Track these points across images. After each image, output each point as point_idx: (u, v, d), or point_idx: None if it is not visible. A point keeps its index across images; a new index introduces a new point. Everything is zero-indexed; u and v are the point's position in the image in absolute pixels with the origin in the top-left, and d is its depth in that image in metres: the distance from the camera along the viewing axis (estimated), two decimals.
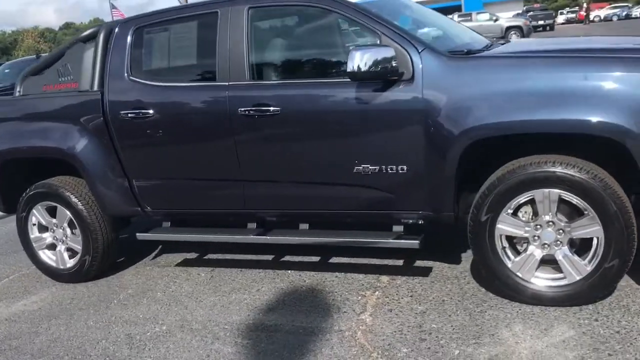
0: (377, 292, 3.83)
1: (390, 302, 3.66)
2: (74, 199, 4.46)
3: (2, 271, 5.26)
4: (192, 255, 4.97)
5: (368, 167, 3.57)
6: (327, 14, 3.72)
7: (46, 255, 4.79)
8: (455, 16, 29.94)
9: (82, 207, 4.45)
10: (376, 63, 3.30)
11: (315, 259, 4.51)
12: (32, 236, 4.76)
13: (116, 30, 4.26)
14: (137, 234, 4.38)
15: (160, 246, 5.29)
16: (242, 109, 3.78)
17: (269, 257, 4.67)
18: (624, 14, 53.08)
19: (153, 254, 5.13)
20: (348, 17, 3.61)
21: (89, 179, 4.36)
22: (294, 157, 3.78)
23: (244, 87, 3.82)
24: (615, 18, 51.78)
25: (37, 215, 4.66)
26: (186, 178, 4.15)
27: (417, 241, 3.56)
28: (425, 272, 4.04)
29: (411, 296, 3.72)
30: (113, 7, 55.66)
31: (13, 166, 4.69)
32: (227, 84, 3.86)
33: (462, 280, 3.84)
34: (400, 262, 4.24)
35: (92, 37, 4.40)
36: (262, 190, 3.96)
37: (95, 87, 4.35)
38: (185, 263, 4.83)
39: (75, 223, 4.53)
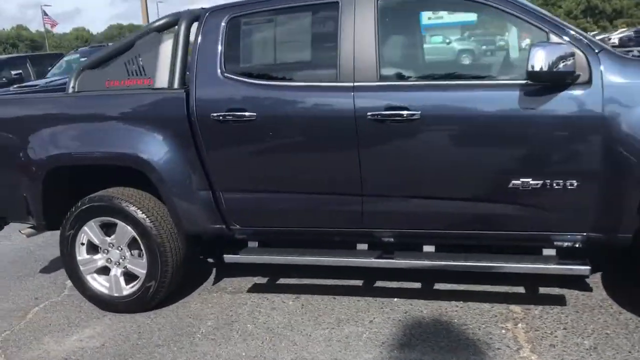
0: (519, 324, 3.38)
1: (544, 336, 3.23)
2: (140, 215, 3.79)
3: (25, 298, 4.48)
4: (261, 280, 4.37)
5: (528, 181, 3.14)
6: (482, 9, 3.28)
7: (96, 281, 4.07)
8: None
9: (150, 224, 3.79)
10: (557, 62, 2.88)
11: (415, 285, 4.01)
12: (79, 258, 4.03)
13: (205, 19, 3.66)
14: (225, 256, 3.75)
15: (214, 268, 4.65)
16: (372, 114, 3.27)
17: (357, 282, 4.13)
18: None
19: (210, 278, 4.50)
20: (509, 12, 3.18)
21: (165, 191, 3.72)
22: (433, 169, 3.31)
23: (374, 89, 3.32)
24: None
25: (89, 233, 3.95)
26: (289, 191, 3.58)
27: (588, 267, 3.14)
28: (560, 300, 3.63)
29: (564, 329, 3.30)
30: (45, 14, 53.23)
31: (60, 175, 3.96)
32: (351, 84, 3.34)
33: (611, 309, 3.45)
34: (519, 289, 3.81)
35: (170, 26, 3.79)
36: (387, 206, 3.45)
37: (176, 85, 3.73)
38: (258, 289, 4.23)
39: (140, 243, 3.85)
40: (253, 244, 3.84)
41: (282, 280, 4.33)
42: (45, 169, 3.89)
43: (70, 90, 3.98)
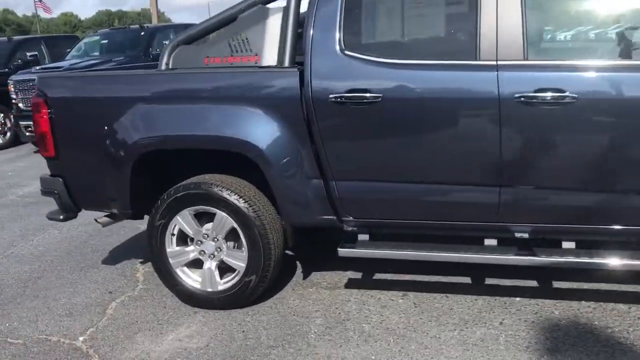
0: None
1: None
2: (242, 204, 3.47)
3: (97, 292, 4.16)
4: (355, 275, 4.07)
5: None
6: None
7: (186, 274, 3.74)
8: None
9: (253, 213, 3.47)
10: None
11: (530, 283, 3.74)
12: (169, 250, 3.71)
13: None
14: (340, 250, 3.44)
15: (297, 261, 4.35)
16: (519, 95, 2.97)
17: (463, 280, 3.85)
18: None
19: (297, 272, 4.19)
20: None
21: (273, 178, 3.40)
22: (589, 158, 3.01)
23: (522, 68, 3.02)
24: None
25: (182, 223, 3.62)
26: (414, 181, 3.28)
27: None
28: None
29: None
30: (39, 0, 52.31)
31: (150, 161, 3.63)
32: (494, 62, 3.04)
33: None
34: (631, 288, 3.54)
35: None
36: (528, 198, 3.16)
37: (287, 62, 3.41)
38: (357, 284, 3.94)
39: (241, 234, 3.53)
40: (363, 237, 3.51)
41: (379, 276, 4.03)
42: (135, 153, 3.56)
43: (164, 66, 3.64)
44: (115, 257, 4.84)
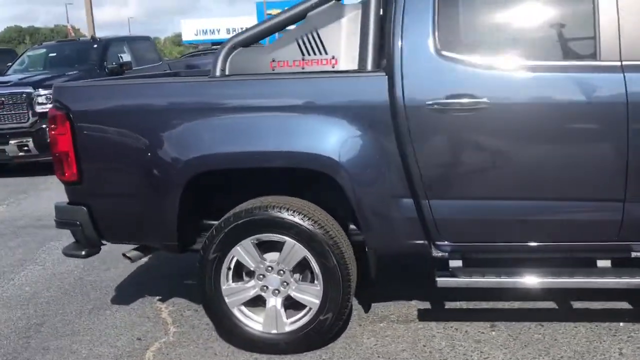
0: None
1: None
2: (318, 230, 2.99)
3: (123, 340, 3.55)
4: (422, 305, 3.64)
5: None
6: None
7: (246, 315, 3.20)
8: None
9: (330, 241, 2.99)
10: None
11: (622, 305, 3.43)
12: (225, 287, 3.15)
13: None
14: (438, 280, 2.99)
15: None
16: None
17: (544, 305, 3.51)
18: None
19: (353, 303, 3.70)
20: None
21: (358, 198, 2.92)
22: None
23: None
24: None
25: (243, 254, 3.09)
26: (525, 198, 2.90)
27: None
28: None
29: None
30: None
31: (198, 183, 3.08)
32: (618, 63, 2.71)
33: None
34: None
35: None
36: None
37: (369, 66, 2.96)
38: (430, 316, 3.53)
39: (315, 265, 3.04)
40: (455, 264, 3.09)
41: (450, 305, 3.62)
42: (187, 175, 3.00)
43: (218, 73, 3.09)
44: (126, 294, 4.19)
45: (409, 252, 3.09)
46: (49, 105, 8.41)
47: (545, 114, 2.78)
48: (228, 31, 57.41)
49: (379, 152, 2.90)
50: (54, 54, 10.15)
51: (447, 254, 3.07)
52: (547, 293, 3.51)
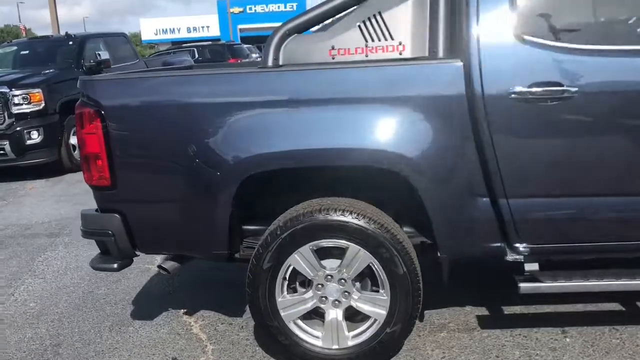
0: None
1: None
2: (387, 235, 2.73)
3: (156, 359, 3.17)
4: (479, 311, 3.40)
5: None
6: None
7: (303, 330, 2.90)
8: None
9: (399, 246, 2.72)
10: None
11: None
12: (280, 300, 2.85)
13: None
14: (521, 285, 2.75)
15: None
16: None
17: (606, 307, 3.33)
18: None
19: None
20: None
21: (431, 197, 2.66)
22: None
23: None
24: None
25: (301, 262, 2.80)
26: (619, 194, 2.67)
27: None
28: None
29: None
30: None
31: (256, 183, 2.78)
32: None
33: None
34: None
35: None
36: None
37: (441, 52, 2.70)
38: (492, 323, 3.29)
39: (381, 272, 2.77)
40: (531, 266, 2.85)
41: (509, 310, 3.40)
42: (240, 176, 2.69)
43: (271, 62, 2.78)
44: (146, 308, 3.84)
45: (483, 255, 2.84)
46: (26, 106, 7.93)
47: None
48: (189, 30, 56.79)
49: (454, 148, 2.65)
50: (26, 52, 9.59)
51: (523, 256, 2.82)
52: (609, 294, 3.31)
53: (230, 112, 2.71)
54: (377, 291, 2.82)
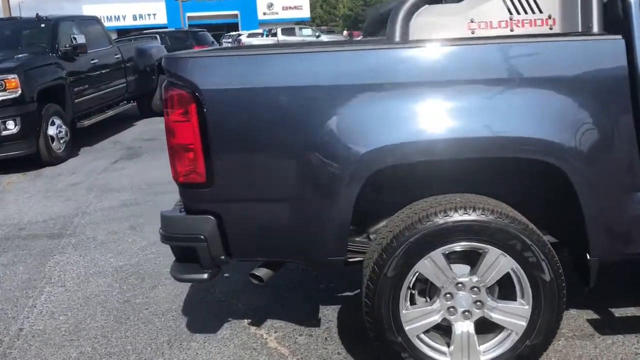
0: None
1: None
2: (533, 237, 2.39)
3: None
4: (586, 314, 3.13)
5: None
6: None
7: (428, 345, 2.55)
8: (279, 30, 29.23)
9: (545, 249, 2.40)
10: None
11: None
12: (405, 312, 2.48)
13: None
14: None
15: None
16: None
17: None
18: None
19: None
20: None
21: (589, 192, 2.34)
22: None
23: None
24: None
25: (430, 268, 2.44)
26: None
27: None
28: None
29: None
30: None
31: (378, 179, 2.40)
32: None
33: None
34: None
35: None
36: None
37: (596, 27, 2.38)
38: (608, 328, 3.01)
39: (522, 279, 2.44)
40: None
41: (619, 312, 3.13)
42: (366, 172, 2.30)
43: (398, 37, 2.39)
44: (201, 319, 3.43)
45: (632, 258, 2.53)
46: (1, 94, 7.21)
47: None
48: (135, 17, 55.06)
49: (614, 135, 2.34)
50: None
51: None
52: None
53: (354, 97, 2.32)
54: (513, 299, 2.48)
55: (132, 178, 6.99)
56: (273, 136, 2.36)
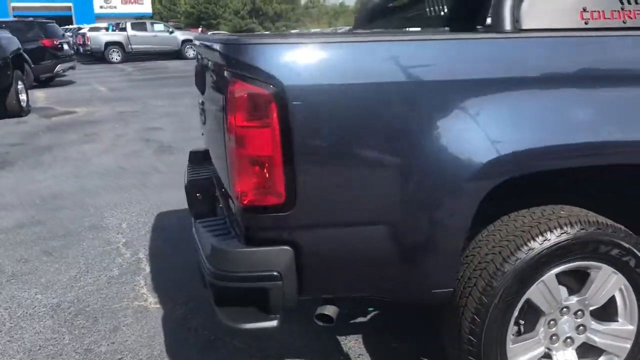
0: None
1: None
2: None
3: None
4: None
5: None
6: None
7: None
8: (129, 25, 27.48)
9: None
10: None
11: None
12: (511, 346, 2.16)
13: None
14: None
15: None
16: None
17: None
18: None
19: None
20: None
21: None
22: None
23: None
24: None
25: (540, 294, 2.14)
26: None
27: None
28: None
29: None
30: None
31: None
32: None
33: None
34: None
35: None
36: None
37: None
38: None
39: (625, 299, 2.24)
40: None
41: None
42: (491, 183, 1.94)
43: (510, 26, 2.04)
44: (291, 342, 2.84)
45: None
46: None
47: None
48: None
49: None
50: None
51: None
52: None
53: (464, 93, 1.92)
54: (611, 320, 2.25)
55: (16, 191, 5.92)
56: (372, 143, 1.89)
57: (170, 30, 27.46)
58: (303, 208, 1.87)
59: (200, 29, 38.56)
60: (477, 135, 1.90)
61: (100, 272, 3.86)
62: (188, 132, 8.50)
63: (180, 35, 27.52)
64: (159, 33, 26.99)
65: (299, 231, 1.90)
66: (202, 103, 2.64)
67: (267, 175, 1.83)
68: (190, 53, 27.14)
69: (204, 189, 2.94)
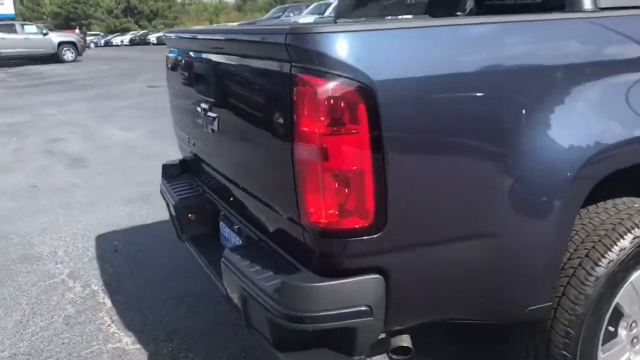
0: None
1: None
2: None
3: None
4: None
5: None
6: None
7: None
8: None
9: None
10: None
11: None
12: (602, 355, 1.99)
13: None
14: None
15: None
16: None
17: None
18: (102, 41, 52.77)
19: None
20: None
21: None
22: None
23: None
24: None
25: (628, 296, 1.98)
26: None
27: None
28: None
29: None
30: None
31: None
32: None
33: None
34: None
35: None
36: None
37: None
38: None
39: None
40: None
41: None
42: (593, 181, 1.75)
43: (590, 6, 1.84)
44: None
45: None
46: None
47: None
48: None
49: None
50: None
51: None
52: None
53: (560, 81, 1.70)
54: None
55: None
56: (474, 144, 1.61)
57: (44, 32, 25.54)
58: (395, 227, 1.55)
59: (76, 30, 36.32)
60: (582, 126, 1.68)
61: (50, 312, 3.31)
62: (95, 141, 7.80)
63: (55, 37, 25.68)
64: (30, 35, 25.02)
65: (389, 255, 1.59)
66: (208, 108, 2.23)
67: (353, 193, 1.50)
68: (69, 56, 25.43)
69: (197, 208, 2.54)
